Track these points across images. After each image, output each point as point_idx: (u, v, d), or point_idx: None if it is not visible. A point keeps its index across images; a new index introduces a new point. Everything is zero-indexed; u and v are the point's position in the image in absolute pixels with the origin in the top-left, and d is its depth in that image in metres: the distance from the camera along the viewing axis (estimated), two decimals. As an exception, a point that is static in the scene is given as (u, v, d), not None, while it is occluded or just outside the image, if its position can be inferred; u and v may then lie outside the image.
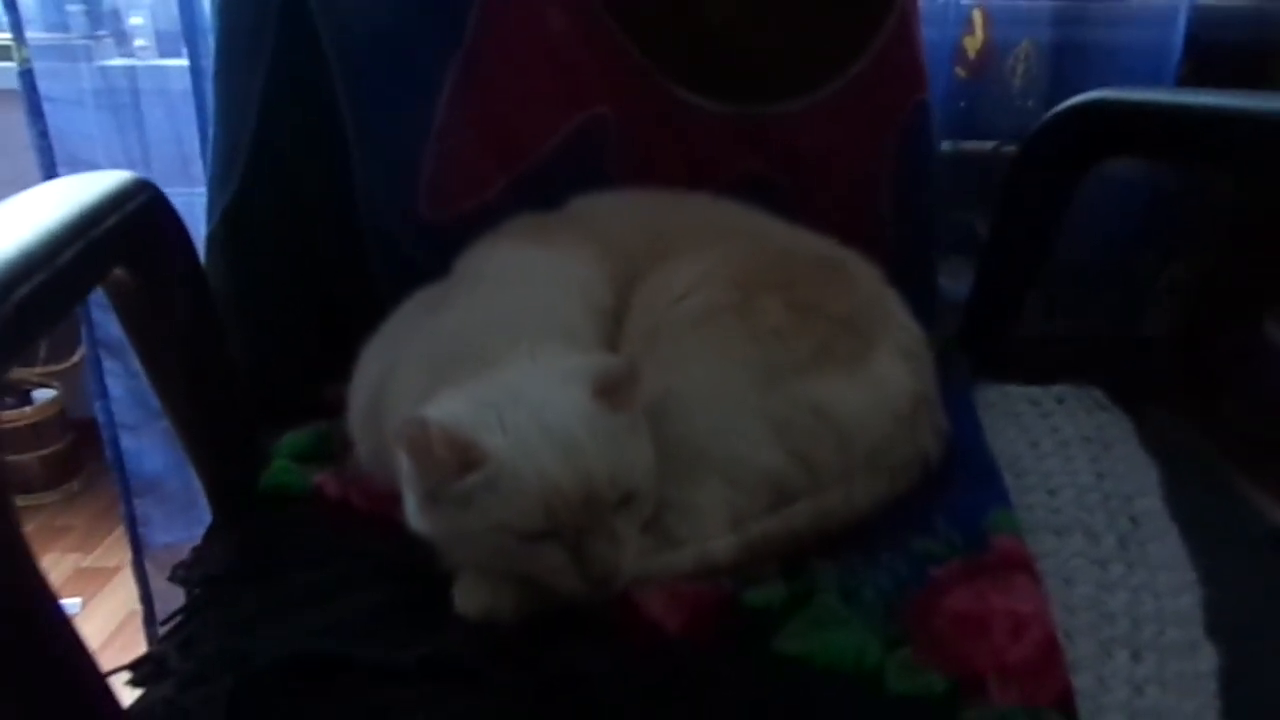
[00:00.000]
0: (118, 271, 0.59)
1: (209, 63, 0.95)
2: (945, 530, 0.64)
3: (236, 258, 0.84)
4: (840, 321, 0.67)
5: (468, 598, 0.56)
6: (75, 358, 1.85)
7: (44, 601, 0.41)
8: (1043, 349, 1.14)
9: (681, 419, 0.63)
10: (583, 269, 0.71)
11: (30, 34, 1.15)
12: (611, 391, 0.57)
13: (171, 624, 0.59)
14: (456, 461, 0.53)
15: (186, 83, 1.15)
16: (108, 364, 1.24)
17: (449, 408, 0.56)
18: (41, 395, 1.84)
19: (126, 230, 0.56)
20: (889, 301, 0.72)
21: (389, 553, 0.60)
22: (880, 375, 0.66)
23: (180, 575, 0.65)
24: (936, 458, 0.68)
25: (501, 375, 0.59)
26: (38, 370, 1.87)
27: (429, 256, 0.77)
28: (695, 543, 0.61)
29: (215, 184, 0.83)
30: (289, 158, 0.83)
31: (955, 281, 1.04)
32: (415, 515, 0.57)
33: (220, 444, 0.72)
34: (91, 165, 1.20)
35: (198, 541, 0.69)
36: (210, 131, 0.83)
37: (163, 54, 1.42)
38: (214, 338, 0.70)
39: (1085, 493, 0.68)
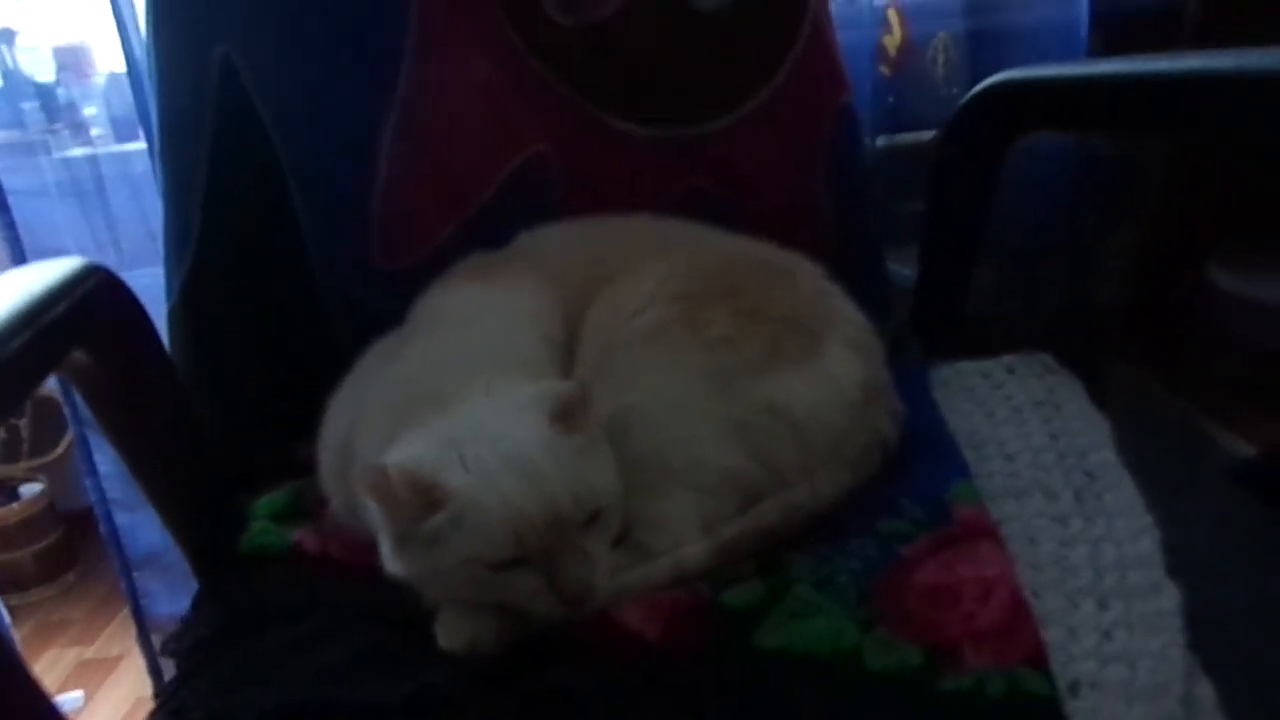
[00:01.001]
0: (75, 354, 0.61)
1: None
2: (910, 509, 0.65)
3: (198, 330, 0.85)
4: (787, 321, 0.69)
5: (450, 633, 0.58)
6: (60, 449, 1.85)
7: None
8: (996, 327, 1.16)
9: (642, 433, 0.65)
10: (532, 301, 0.73)
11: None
12: (566, 415, 0.59)
13: (164, 695, 0.60)
14: (420, 502, 0.54)
15: (147, 165, 1.17)
16: (95, 441, 1.25)
17: (410, 450, 0.58)
18: (29, 490, 1.83)
19: (79, 314, 0.58)
20: (833, 297, 0.75)
21: (370, 599, 0.62)
22: (831, 368, 0.68)
23: (170, 647, 0.66)
24: (895, 441, 0.70)
25: (459, 413, 0.60)
26: (23, 465, 1.86)
27: (387, 306, 0.79)
28: (669, 552, 0.62)
29: (170, 261, 0.85)
30: (239, 226, 0.84)
31: (910, 269, 1.07)
32: (390, 559, 0.58)
33: (197, 512, 0.73)
34: (60, 253, 1.22)
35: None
36: (162, 210, 0.85)
37: (120, 139, 1.46)
38: (179, 410, 0.72)
39: (1041, 454, 0.70)
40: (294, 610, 0.63)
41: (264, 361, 0.86)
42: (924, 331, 0.91)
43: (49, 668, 1.62)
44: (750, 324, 0.68)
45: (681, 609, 0.59)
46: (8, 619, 1.47)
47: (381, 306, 0.81)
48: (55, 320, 0.53)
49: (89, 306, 0.59)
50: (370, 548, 0.62)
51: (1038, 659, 0.52)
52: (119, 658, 1.63)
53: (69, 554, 1.87)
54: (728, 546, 0.63)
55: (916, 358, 0.85)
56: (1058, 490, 0.66)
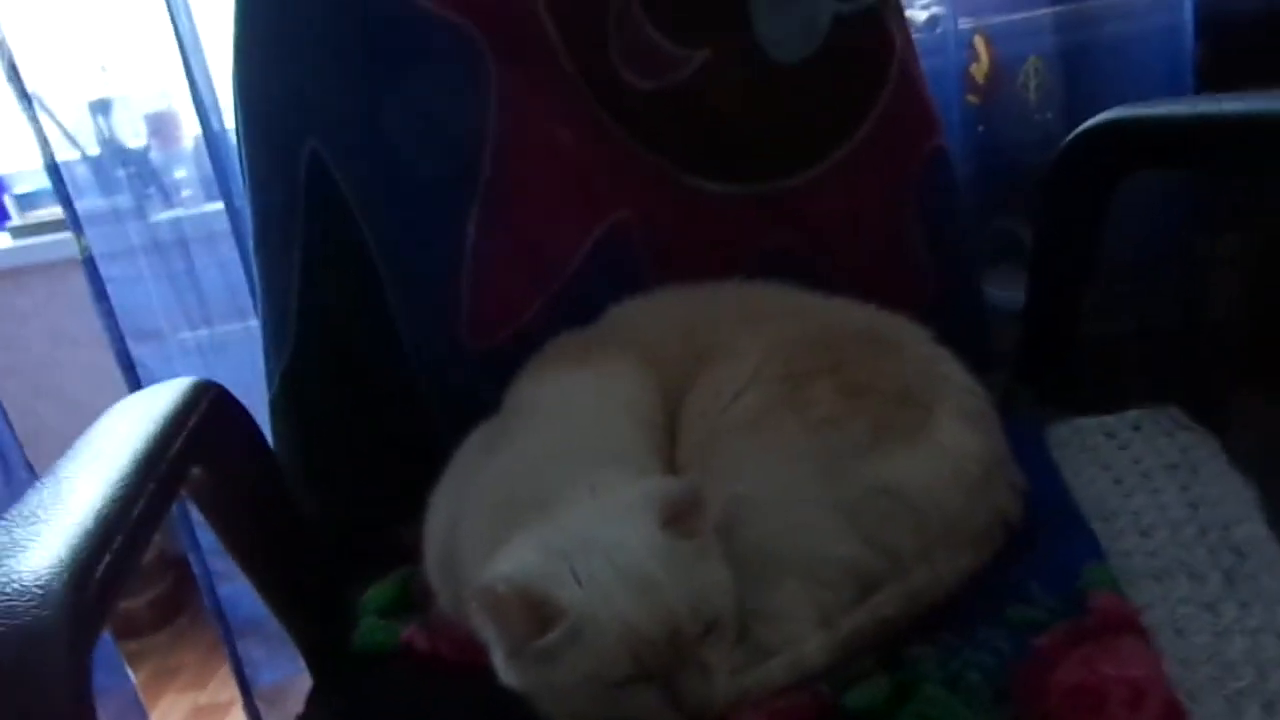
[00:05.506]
0: (193, 473, 0.62)
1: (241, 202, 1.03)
2: (1040, 594, 0.62)
3: (299, 419, 0.86)
4: (894, 395, 0.66)
5: (567, 747, 0.57)
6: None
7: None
8: (1103, 349, 1.09)
9: (751, 525, 0.63)
10: (628, 385, 0.71)
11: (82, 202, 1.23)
12: (679, 518, 0.57)
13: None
14: (534, 621, 0.53)
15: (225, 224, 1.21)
16: (196, 515, 1.29)
17: (517, 560, 0.57)
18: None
19: (197, 439, 0.59)
20: (942, 363, 0.71)
21: (481, 706, 0.61)
22: (945, 442, 0.65)
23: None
24: (1018, 517, 0.66)
25: (566, 517, 0.59)
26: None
27: (480, 385, 0.79)
28: (787, 649, 0.60)
29: (270, 352, 0.87)
30: (335, 313, 0.85)
31: (1003, 289, 1.02)
32: (503, 671, 0.57)
33: (309, 608, 0.74)
34: (155, 331, 1.28)
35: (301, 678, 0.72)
36: (258, 304, 0.86)
37: (210, 199, 1.51)
38: (286, 508, 0.73)
39: (1180, 528, 0.66)
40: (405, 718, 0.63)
41: (366, 447, 0.87)
42: (1033, 379, 0.87)
43: (166, 714, 1.69)
44: (856, 401, 0.65)
45: (805, 714, 0.57)
46: (129, 670, 1.53)
47: (475, 385, 0.81)
48: (176, 455, 0.54)
49: (206, 427, 0.60)
50: (480, 646, 0.61)
51: (1200, 776, 0.48)
52: (230, 703, 1.68)
53: (180, 599, 1.94)
54: (847, 640, 0.60)
55: (1032, 416, 0.80)
56: (1204, 571, 0.61)
